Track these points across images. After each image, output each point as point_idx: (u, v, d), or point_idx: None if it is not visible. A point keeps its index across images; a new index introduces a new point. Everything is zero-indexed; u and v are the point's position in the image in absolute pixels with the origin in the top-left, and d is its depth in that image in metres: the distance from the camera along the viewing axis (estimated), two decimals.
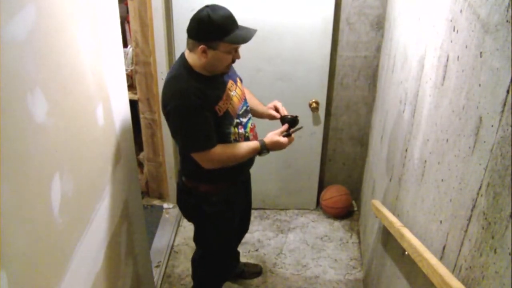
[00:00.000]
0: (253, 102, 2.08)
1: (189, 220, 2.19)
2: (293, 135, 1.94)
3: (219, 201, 1.98)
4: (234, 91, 1.88)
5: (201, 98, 1.70)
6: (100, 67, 1.49)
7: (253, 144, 1.87)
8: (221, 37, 1.65)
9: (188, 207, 2.07)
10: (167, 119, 1.79)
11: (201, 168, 1.83)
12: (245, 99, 1.97)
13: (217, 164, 1.82)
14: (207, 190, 1.96)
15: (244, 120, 1.91)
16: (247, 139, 1.91)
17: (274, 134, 1.90)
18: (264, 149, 1.88)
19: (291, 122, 1.97)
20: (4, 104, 0.89)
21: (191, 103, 1.69)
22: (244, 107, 1.93)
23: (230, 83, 1.87)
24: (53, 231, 1.14)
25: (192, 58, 1.74)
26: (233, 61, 1.77)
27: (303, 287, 2.63)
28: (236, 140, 1.87)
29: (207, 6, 1.67)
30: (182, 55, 1.79)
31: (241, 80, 2.00)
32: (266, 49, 2.70)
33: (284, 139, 1.89)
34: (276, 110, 2.05)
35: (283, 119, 1.99)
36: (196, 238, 2.20)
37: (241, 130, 1.89)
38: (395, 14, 2.24)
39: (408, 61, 1.83)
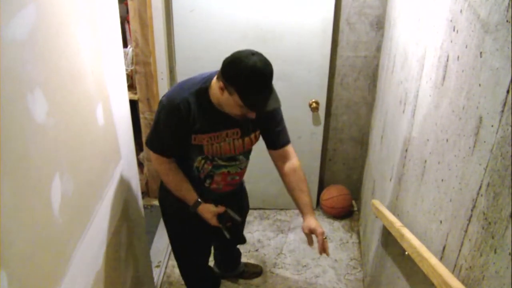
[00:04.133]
0: (298, 196, 1.83)
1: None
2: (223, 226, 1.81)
3: (167, 212, 1.95)
4: (230, 139, 1.73)
5: (186, 116, 1.61)
6: (100, 67, 1.49)
7: (191, 196, 1.76)
8: (239, 91, 1.48)
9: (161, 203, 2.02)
10: None
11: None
12: (242, 151, 1.79)
13: (159, 172, 1.79)
14: (160, 196, 1.95)
15: (221, 162, 1.77)
16: (209, 176, 1.79)
17: (213, 210, 1.77)
18: (195, 209, 1.77)
19: (224, 217, 1.81)
20: (4, 104, 0.89)
21: (172, 108, 1.61)
22: (232, 155, 1.78)
23: (234, 131, 1.72)
24: (53, 231, 1.14)
25: (214, 85, 1.61)
26: (247, 117, 1.61)
27: (303, 287, 2.63)
28: (198, 169, 1.77)
29: (253, 54, 1.49)
30: (211, 75, 1.65)
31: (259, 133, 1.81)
32: (266, 49, 2.68)
33: (213, 220, 1.77)
34: (312, 233, 1.78)
35: (221, 216, 1.81)
36: None
37: (209, 167, 1.77)
38: (395, 14, 2.24)
39: (408, 61, 1.83)
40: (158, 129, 1.70)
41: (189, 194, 1.77)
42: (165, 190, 1.86)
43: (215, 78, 1.61)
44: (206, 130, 1.67)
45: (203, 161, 1.76)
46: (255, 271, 2.69)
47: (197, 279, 2.26)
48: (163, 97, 1.70)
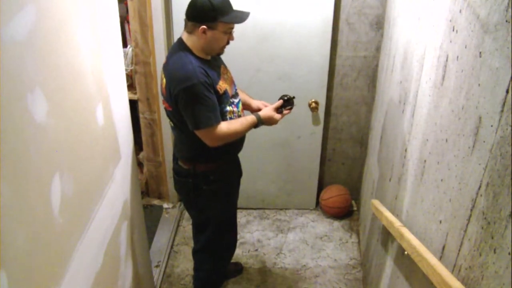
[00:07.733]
0: (243, 96, 2.20)
1: (186, 202, 2.23)
2: (285, 111, 2.10)
3: (216, 179, 2.05)
4: (226, 75, 2.02)
5: (207, 77, 1.81)
6: (100, 67, 1.49)
7: (250, 119, 2.00)
8: (220, 17, 1.78)
9: (187, 188, 2.09)
10: (175, 102, 1.83)
11: (199, 150, 1.94)
12: (234, 83, 2.08)
13: (222, 140, 1.90)
14: (205, 170, 2.02)
15: (236, 100, 2.04)
16: (239, 117, 2.03)
17: (269, 109, 2.06)
18: (260, 123, 2.02)
19: (287, 101, 2.11)
20: (4, 104, 0.89)
21: (199, 82, 1.78)
22: (235, 89, 2.06)
23: (222, 67, 2.01)
24: (53, 231, 1.14)
25: (192, 41, 1.84)
26: (228, 43, 1.89)
27: (303, 287, 2.63)
28: (231, 118, 1.98)
29: None
30: (180, 40, 1.88)
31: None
32: (266, 49, 2.70)
33: (277, 115, 2.06)
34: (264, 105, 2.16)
35: (282, 98, 2.12)
36: (197, 224, 2.25)
37: (235, 109, 2.01)
38: (395, 14, 2.25)
39: (407, 61, 1.83)
40: (205, 104, 1.81)
41: (250, 122, 1.99)
42: (207, 160, 2.00)
43: (185, 37, 1.86)
44: (218, 75, 1.92)
45: (230, 108, 1.97)
46: (236, 269, 2.70)
47: (233, 234, 2.44)
48: (176, 86, 1.79)
